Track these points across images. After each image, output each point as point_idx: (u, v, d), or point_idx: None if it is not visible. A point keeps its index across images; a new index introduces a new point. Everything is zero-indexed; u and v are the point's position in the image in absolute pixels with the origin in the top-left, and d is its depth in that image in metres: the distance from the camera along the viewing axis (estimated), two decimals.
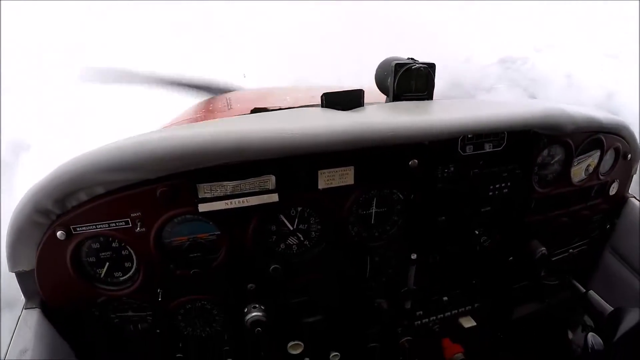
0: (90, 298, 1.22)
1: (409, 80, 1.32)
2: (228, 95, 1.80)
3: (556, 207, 1.67)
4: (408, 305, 1.51)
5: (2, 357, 1.06)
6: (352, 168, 1.20)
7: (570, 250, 1.86)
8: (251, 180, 1.12)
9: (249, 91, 2.02)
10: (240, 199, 1.13)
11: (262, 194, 1.14)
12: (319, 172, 1.18)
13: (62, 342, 1.23)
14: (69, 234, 1.10)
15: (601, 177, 1.73)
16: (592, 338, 1.25)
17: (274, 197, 1.15)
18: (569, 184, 1.63)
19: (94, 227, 1.11)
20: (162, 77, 1.99)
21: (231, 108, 1.70)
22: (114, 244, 1.18)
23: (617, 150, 1.72)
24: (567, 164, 1.58)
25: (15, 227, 1.09)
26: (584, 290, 1.42)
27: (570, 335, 2.19)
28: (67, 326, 1.24)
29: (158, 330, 1.33)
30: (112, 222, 1.11)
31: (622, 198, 1.91)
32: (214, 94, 1.95)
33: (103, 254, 1.19)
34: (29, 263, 1.15)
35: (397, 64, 1.29)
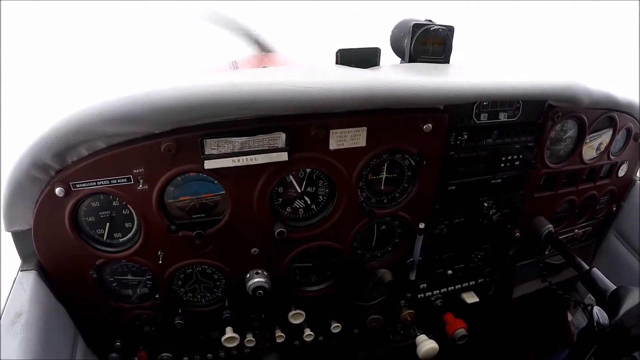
0: (88, 260, 1.18)
1: (426, 43, 1.27)
2: (233, 59, 1.74)
3: (565, 184, 1.65)
4: (413, 277, 1.48)
5: None
6: (364, 129, 1.16)
7: (576, 231, 1.85)
8: (260, 137, 1.07)
9: (257, 55, 1.96)
10: (249, 157, 1.08)
11: (271, 152, 1.09)
12: (331, 131, 1.13)
13: (58, 305, 1.20)
14: (68, 191, 1.05)
15: (611, 157, 1.72)
16: (598, 312, 1.24)
17: (284, 156, 1.10)
18: (579, 161, 1.61)
19: (94, 183, 1.06)
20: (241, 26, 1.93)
21: (237, 68, 1.64)
22: (114, 203, 1.13)
23: (629, 130, 1.70)
24: (579, 140, 1.56)
25: (12, 183, 1.03)
26: (587, 268, 1.40)
27: (570, 317, 2.20)
28: (63, 289, 1.21)
29: (157, 295, 1.29)
30: (114, 179, 1.06)
31: (630, 181, 1.89)
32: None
33: (103, 213, 1.14)
34: (26, 222, 1.10)
35: (415, 25, 1.24)
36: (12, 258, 1.20)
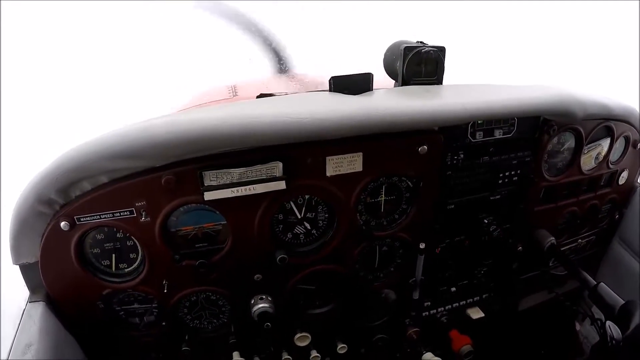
0: (94, 290, 1.20)
1: (419, 64, 1.28)
2: (233, 83, 1.77)
3: (565, 196, 1.65)
4: (416, 296, 1.49)
5: (8, 351, 1.04)
6: (360, 154, 1.17)
7: (579, 241, 1.84)
8: (258, 167, 1.09)
9: (255, 79, 1.98)
10: (247, 187, 1.10)
11: (269, 181, 1.11)
12: (327, 158, 1.15)
13: (67, 335, 1.22)
14: (72, 225, 1.08)
15: (611, 166, 1.72)
16: (611, 326, 1.23)
17: (281, 185, 1.12)
18: (578, 173, 1.61)
19: (98, 217, 1.08)
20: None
21: (236, 95, 1.67)
22: (118, 235, 1.16)
23: (627, 138, 1.70)
24: (577, 152, 1.56)
25: (18, 218, 1.06)
26: (595, 283, 1.40)
27: (578, 326, 2.17)
28: (72, 319, 1.23)
29: (164, 323, 1.31)
30: (117, 212, 1.09)
31: (631, 187, 1.89)
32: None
33: (108, 244, 1.17)
34: (33, 255, 1.13)
35: (406, 47, 1.25)
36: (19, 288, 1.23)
